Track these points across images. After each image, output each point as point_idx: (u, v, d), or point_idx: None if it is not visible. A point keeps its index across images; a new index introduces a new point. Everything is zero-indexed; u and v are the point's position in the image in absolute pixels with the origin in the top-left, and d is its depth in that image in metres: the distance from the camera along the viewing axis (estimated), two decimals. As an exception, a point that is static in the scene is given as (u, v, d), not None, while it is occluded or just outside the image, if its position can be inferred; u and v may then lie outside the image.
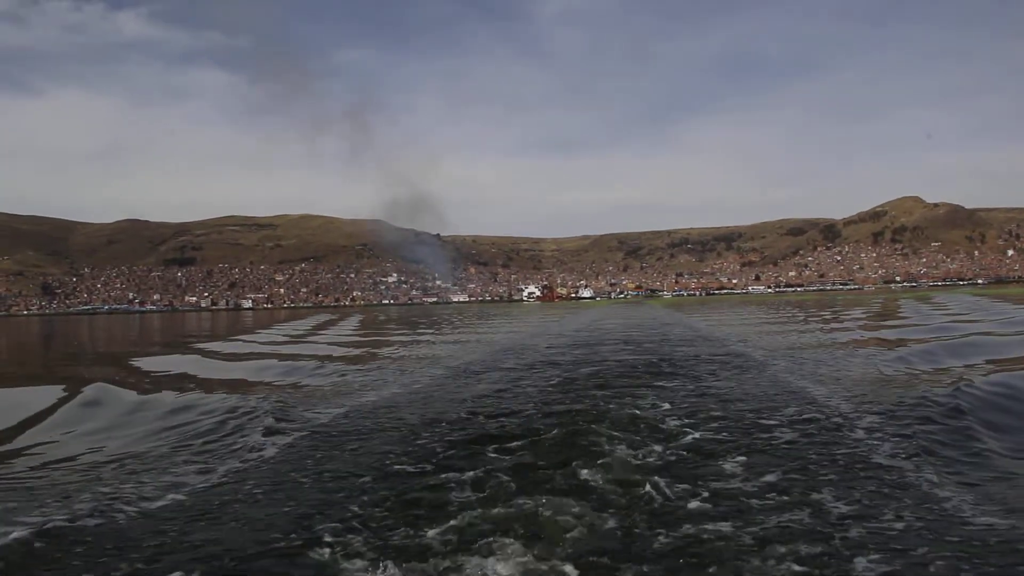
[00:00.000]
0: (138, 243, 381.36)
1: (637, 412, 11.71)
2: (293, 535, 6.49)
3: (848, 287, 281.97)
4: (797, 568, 5.53)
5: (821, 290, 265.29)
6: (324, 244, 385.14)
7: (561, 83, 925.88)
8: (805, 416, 11.07)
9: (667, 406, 12.42)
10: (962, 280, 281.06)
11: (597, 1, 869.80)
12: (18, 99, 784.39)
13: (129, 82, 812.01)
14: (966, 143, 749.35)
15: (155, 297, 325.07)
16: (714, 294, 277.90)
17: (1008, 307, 45.14)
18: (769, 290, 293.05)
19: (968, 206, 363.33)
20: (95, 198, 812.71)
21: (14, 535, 6.51)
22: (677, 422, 11.01)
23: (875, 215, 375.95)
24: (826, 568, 5.51)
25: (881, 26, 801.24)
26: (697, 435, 10.08)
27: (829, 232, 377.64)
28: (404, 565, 5.79)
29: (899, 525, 6.33)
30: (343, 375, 19.71)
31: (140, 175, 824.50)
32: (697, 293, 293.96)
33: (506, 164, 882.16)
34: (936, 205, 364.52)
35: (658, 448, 9.31)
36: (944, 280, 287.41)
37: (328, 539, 6.35)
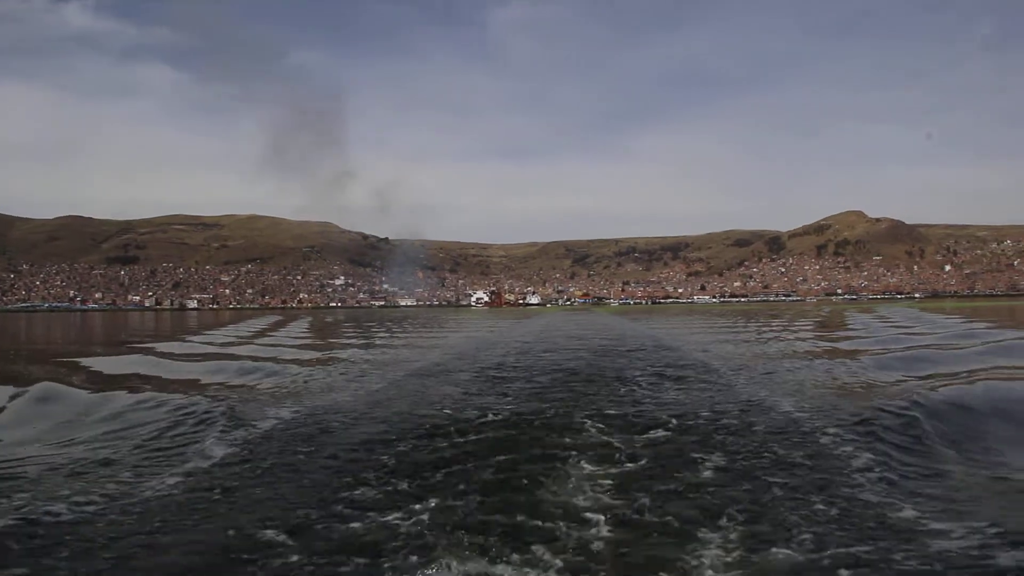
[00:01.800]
0: (80, 240, 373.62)
1: (597, 420, 11.88)
2: (242, 552, 6.39)
3: (791, 299, 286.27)
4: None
5: (764, 301, 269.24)
6: (271, 245, 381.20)
7: (512, 90, 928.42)
8: (766, 425, 11.26)
9: (632, 411, 12.62)
10: (900, 294, 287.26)
11: (550, 11, 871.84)
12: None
13: (74, 76, 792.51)
14: (910, 160, 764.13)
15: (97, 296, 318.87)
16: (660, 303, 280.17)
17: (949, 321, 46.20)
18: (714, 300, 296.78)
19: (909, 222, 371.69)
20: (36, 193, 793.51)
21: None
22: (639, 429, 11.18)
23: (819, 228, 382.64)
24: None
25: (830, 44, 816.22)
26: (657, 440, 10.32)
27: (774, 244, 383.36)
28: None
29: (855, 533, 6.53)
30: (298, 377, 19.52)
31: (84, 171, 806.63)
32: (643, 302, 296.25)
33: (456, 170, 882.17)
34: (878, 220, 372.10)
35: (623, 455, 9.50)
36: (883, 293, 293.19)
37: (275, 558, 6.28)
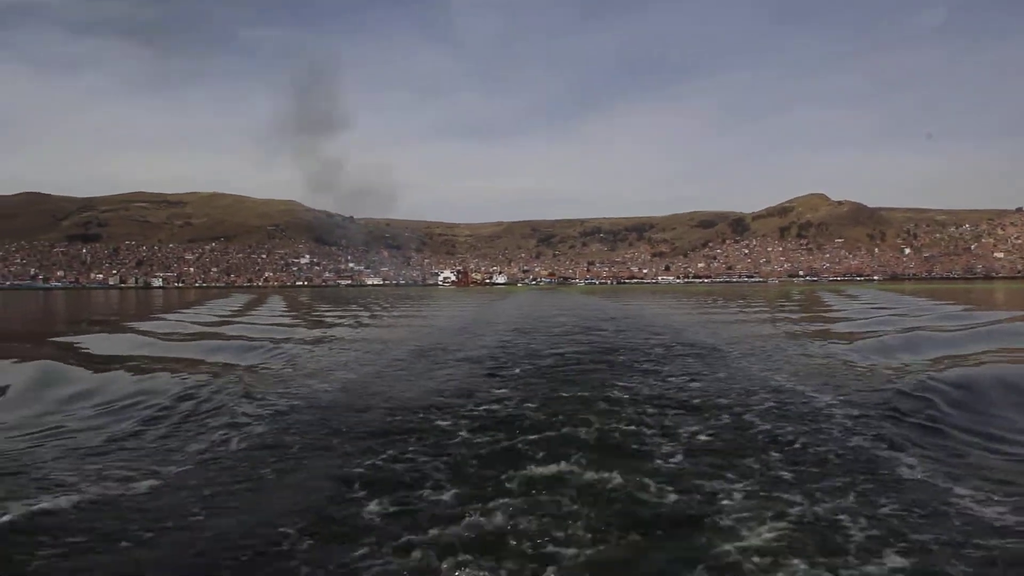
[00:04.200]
0: (39, 217, 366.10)
1: (609, 405, 11.99)
2: (266, 535, 6.27)
3: (754, 280, 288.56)
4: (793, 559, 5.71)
5: (728, 282, 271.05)
6: (235, 223, 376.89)
7: (476, 70, 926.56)
8: (781, 408, 11.31)
9: (647, 394, 12.74)
10: (860, 276, 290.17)
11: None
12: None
13: (25, 48, 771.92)
14: (872, 144, 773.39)
15: (59, 274, 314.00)
16: (625, 283, 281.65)
17: (931, 303, 46.40)
18: (678, 280, 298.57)
19: (870, 205, 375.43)
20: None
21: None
22: (654, 411, 11.28)
23: (783, 210, 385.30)
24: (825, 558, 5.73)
25: (796, 28, 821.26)
26: (673, 428, 10.18)
27: (738, 225, 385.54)
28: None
29: (883, 513, 6.61)
30: (296, 356, 19.50)
31: (42, 147, 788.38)
32: (609, 282, 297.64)
33: (421, 149, 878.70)
34: (840, 203, 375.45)
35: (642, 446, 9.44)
36: (844, 275, 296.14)
37: (301, 541, 6.16)
